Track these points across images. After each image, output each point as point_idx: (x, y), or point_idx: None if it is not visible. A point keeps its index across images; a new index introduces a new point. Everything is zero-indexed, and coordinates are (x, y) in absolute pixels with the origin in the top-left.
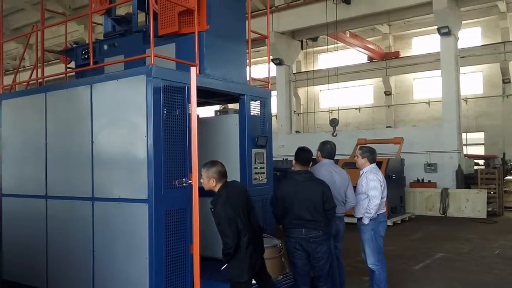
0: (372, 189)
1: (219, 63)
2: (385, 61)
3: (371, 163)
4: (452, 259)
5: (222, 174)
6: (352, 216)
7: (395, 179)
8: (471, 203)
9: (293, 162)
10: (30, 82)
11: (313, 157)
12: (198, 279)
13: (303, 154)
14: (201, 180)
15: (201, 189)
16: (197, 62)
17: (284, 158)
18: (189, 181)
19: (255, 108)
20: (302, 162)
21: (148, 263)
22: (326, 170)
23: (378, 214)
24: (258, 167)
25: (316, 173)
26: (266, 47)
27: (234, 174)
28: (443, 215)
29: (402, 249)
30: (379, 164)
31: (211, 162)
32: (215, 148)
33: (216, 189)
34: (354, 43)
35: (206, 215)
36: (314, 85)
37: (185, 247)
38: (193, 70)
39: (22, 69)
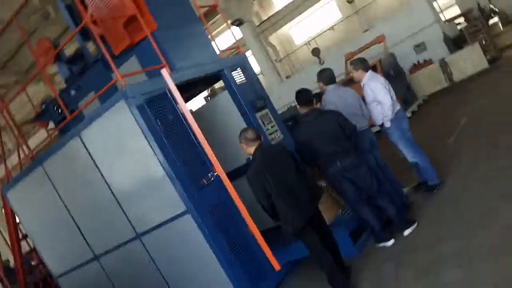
0: (378, 93)
1: (184, 52)
2: None
3: (366, 71)
4: (479, 119)
5: (250, 139)
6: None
7: (394, 74)
8: (470, 61)
9: (298, 107)
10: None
11: (315, 92)
12: (271, 254)
13: (303, 96)
14: None
15: (230, 173)
16: (164, 62)
17: (288, 107)
18: (215, 174)
19: (238, 76)
20: (305, 103)
21: (219, 263)
22: (334, 95)
23: (395, 113)
24: (270, 128)
25: (326, 103)
26: (220, 15)
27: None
28: (451, 83)
29: (429, 130)
30: (374, 69)
31: (242, 130)
32: (222, 131)
33: (252, 154)
34: None
35: (248, 193)
36: (281, 27)
37: (244, 232)
38: (164, 72)
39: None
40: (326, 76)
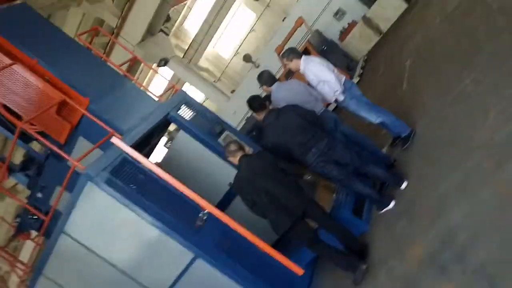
0: (320, 73)
1: (125, 113)
2: None
3: (300, 57)
4: (420, 56)
5: (233, 151)
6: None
7: (327, 48)
8: (389, 8)
9: (255, 114)
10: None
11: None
12: (289, 262)
13: (255, 102)
14: None
15: (222, 202)
16: (110, 130)
17: (245, 119)
18: (205, 212)
19: (186, 112)
20: (260, 108)
21: None
22: (281, 92)
23: (343, 84)
24: None
25: (277, 101)
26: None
27: (227, 171)
28: (381, 35)
29: (381, 85)
30: (307, 52)
31: (225, 146)
32: (195, 167)
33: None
34: None
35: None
36: (205, 49)
37: (257, 251)
38: (115, 140)
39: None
40: (265, 78)
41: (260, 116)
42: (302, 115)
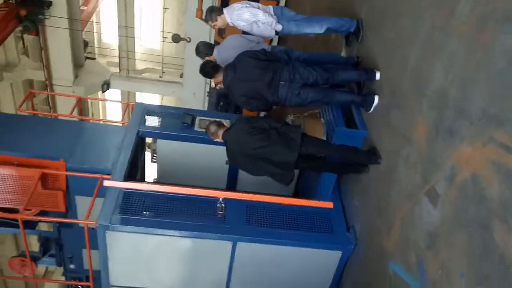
0: (247, 16)
1: (100, 153)
2: None
3: (222, 13)
4: None
5: (214, 132)
6: None
7: None
8: None
9: (213, 80)
10: None
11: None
12: (316, 203)
13: (207, 67)
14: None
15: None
16: (99, 176)
17: (211, 89)
18: (221, 200)
19: (152, 121)
20: (215, 71)
21: (300, 247)
22: (224, 53)
23: (272, 14)
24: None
25: (224, 62)
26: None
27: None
28: None
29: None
30: (225, 4)
31: (205, 130)
32: (190, 166)
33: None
34: None
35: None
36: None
37: (283, 209)
38: (108, 182)
39: None
40: (202, 50)
41: (219, 78)
42: (254, 56)
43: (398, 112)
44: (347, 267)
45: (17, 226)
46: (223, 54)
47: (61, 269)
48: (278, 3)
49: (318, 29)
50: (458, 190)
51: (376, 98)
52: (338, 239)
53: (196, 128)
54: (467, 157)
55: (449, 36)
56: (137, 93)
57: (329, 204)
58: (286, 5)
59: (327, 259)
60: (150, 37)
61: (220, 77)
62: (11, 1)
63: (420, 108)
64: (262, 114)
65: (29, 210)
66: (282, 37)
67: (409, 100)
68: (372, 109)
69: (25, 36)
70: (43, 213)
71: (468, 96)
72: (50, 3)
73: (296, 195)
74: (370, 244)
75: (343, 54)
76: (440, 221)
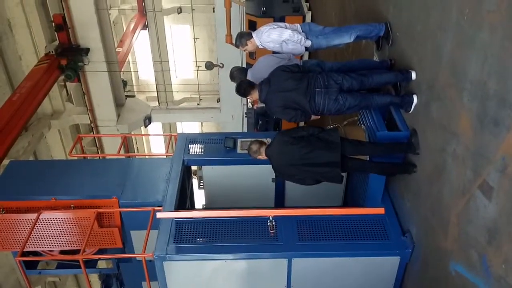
0: (275, 37)
1: (149, 186)
2: None
3: (251, 37)
4: None
5: (255, 151)
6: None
7: (266, 8)
8: None
9: (250, 97)
10: None
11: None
12: (368, 210)
13: (243, 85)
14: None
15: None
16: (151, 209)
17: (246, 114)
18: (271, 219)
19: (195, 149)
20: (250, 87)
21: (359, 256)
22: (257, 74)
23: (302, 31)
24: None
25: (258, 80)
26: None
27: (263, 170)
28: None
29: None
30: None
31: (247, 150)
32: (236, 188)
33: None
34: None
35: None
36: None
37: (335, 220)
38: (160, 214)
39: None
40: (237, 74)
41: (255, 96)
42: (287, 70)
43: (439, 107)
44: (407, 272)
45: (78, 267)
46: (257, 74)
47: None
48: (304, 19)
49: (348, 38)
50: None
51: (415, 98)
52: (394, 245)
53: (239, 150)
54: None
55: (479, 27)
56: (177, 123)
57: (380, 210)
58: (312, 20)
59: (385, 266)
60: (184, 67)
61: (255, 94)
62: (51, 53)
63: (461, 99)
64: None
65: (88, 250)
66: (312, 52)
67: (449, 93)
68: (412, 109)
69: (68, 84)
70: (101, 251)
71: (508, 86)
72: (88, 50)
73: (345, 205)
74: (428, 246)
75: (375, 59)
76: (498, 214)
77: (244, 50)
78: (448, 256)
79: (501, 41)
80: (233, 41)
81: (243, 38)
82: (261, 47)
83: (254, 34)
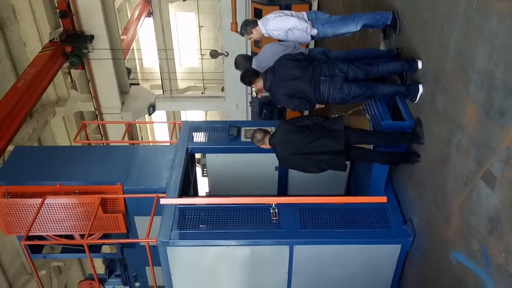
0: (281, 25)
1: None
2: None
3: (256, 25)
4: None
5: (259, 140)
6: None
7: None
8: None
9: (254, 86)
10: None
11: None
12: (370, 198)
13: (247, 75)
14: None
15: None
16: (154, 196)
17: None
18: (273, 206)
19: (199, 137)
20: (255, 76)
21: (358, 244)
22: (262, 62)
23: (308, 19)
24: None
25: (263, 69)
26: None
27: (266, 159)
28: None
29: None
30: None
31: (251, 138)
32: (240, 176)
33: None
34: None
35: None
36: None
37: (337, 208)
38: (164, 200)
39: None
40: (241, 63)
41: (260, 84)
42: (292, 58)
43: (445, 97)
44: (408, 260)
45: (83, 251)
46: (262, 63)
47: None
48: (310, 7)
49: (354, 27)
50: None
51: (421, 87)
52: (395, 233)
53: (243, 138)
54: None
55: (487, 15)
56: (181, 112)
57: (382, 199)
58: (319, 8)
59: (386, 254)
60: (189, 56)
61: (260, 82)
62: (56, 40)
63: (467, 90)
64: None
65: (92, 234)
66: (318, 40)
67: (455, 83)
68: (417, 98)
69: (72, 71)
70: (105, 236)
71: None
72: (92, 37)
73: (348, 193)
74: (429, 235)
75: (382, 47)
76: (500, 203)
77: (249, 38)
78: (449, 245)
79: (509, 30)
80: (239, 29)
81: (248, 26)
82: (267, 35)
83: (259, 22)
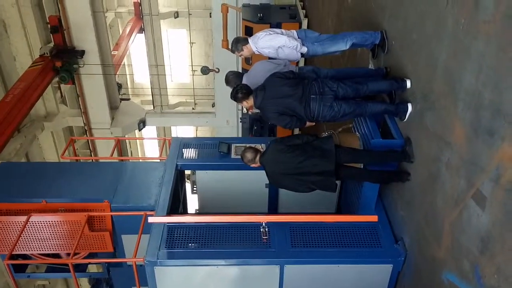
0: (271, 42)
1: (142, 190)
2: None
3: (247, 42)
4: None
5: (251, 159)
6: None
7: (263, 14)
8: None
9: (245, 103)
10: None
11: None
12: (357, 217)
13: (238, 93)
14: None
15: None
16: (142, 214)
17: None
18: (264, 225)
19: (189, 154)
20: (247, 94)
21: (353, 263)
22: (253, 79)
23: (298, 37)
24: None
25: (254, 86)
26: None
27: (257, 176)
28: None
29: (329, 8)
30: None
31: (241, 157)
32: (230, 193)
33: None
34: None
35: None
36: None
37: (328, 227)
38: (152, 218)
39: None
40: (232, 79)
41: (250, 102)
42: (283, 76)
43: (434, 116)
44: (400, 280)
45: (68, 271)
46: (253, 80)
47: None
48: (300, 26)
49: (343, 46)
50: (505, 190)
51: (410, 106)
52: (387, 252)
53: (233, 155)
54: (511, 156)
55: (473, 37)
56: (172, 127)
57: (373, 218)
58: (308, 26)
59: (377, 273)
60: (180, 72)
61: (251, 100)
62: (46, 55)
63: (456, 109)
64: (296, 132)
65: (78, 253)
66: (308, 59)
67: (443, 102)
68: (406, 117)
69: (62, 85)
70: (91, 255)
71: (503, 96)
72: (83, 52)
73: (338, 212)
74: (421, 254)
75: (371, 66)
76: (491, 223)
77: (239, 56)
78: (441, 265)
79: (496, 51)
80: (229, 46)
81: (239, 43)
82: (257, 52)
83: (250, 39)
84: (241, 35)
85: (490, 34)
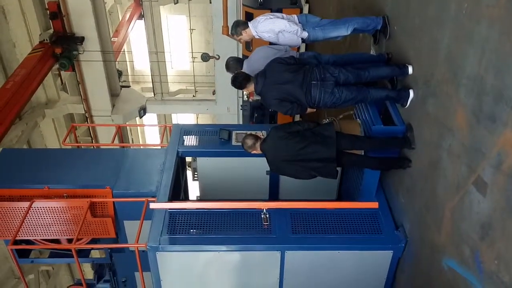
0: (272, 27)
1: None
2: None
3: (247, 26)
4: None
5: (251, 146)
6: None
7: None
8: None
9: (246, 90)
10: None
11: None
12: (361, 204)
13: (238, 79)
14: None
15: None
16: (144, 200)
17: (242, 106)
18: (265, 211)
19: (190, 141)
20: (246, 81)
21: (352, 249)
22: (253, 65)
23: (299, 22)
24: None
25: (255, 71)
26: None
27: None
28: None
29: None
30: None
31: (242, 144)
32: (230, 180)
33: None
34: None
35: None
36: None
37: (329, 213)
38: (154, 204)
39: None
40: (232, 65)
41: (251, 88)
42: (283, 62)
43: (435, 102)
44: (400, 266)
45: (71, 256)
46: (253, 66)
47: None
48: (301, 11)
49: (345, 31)
50: (506, 176)
51: (411, 92)
52: (387, 239)
53: (234, 142)
54: None
55: (478, 21)
56: (173, 115)
57: (374, 205)
58: (310, 11)
59: (378, 260)
60: (180, 59)
61: (251, 87)
62: (46, 41)
63: (458, 95)
64: (296, 119)
65: (81, 239)
66: (309, 44)
67: (445, 88)
68: (408, 103)
69: (62, 72)
70: (94, 240)
71: (505, 81)
72: (83, 39)
73: (339, 198)
74: (421, 241)
75: (372, 52)
76: (492, 209)
77: (239, 40)
78: (441, 251)
79: (499, 36)
80: (229, 32)
81: (238, 27)
82: (257, 37)
83: (250, 23)
84: (241, 19)
85: (494, 18)
